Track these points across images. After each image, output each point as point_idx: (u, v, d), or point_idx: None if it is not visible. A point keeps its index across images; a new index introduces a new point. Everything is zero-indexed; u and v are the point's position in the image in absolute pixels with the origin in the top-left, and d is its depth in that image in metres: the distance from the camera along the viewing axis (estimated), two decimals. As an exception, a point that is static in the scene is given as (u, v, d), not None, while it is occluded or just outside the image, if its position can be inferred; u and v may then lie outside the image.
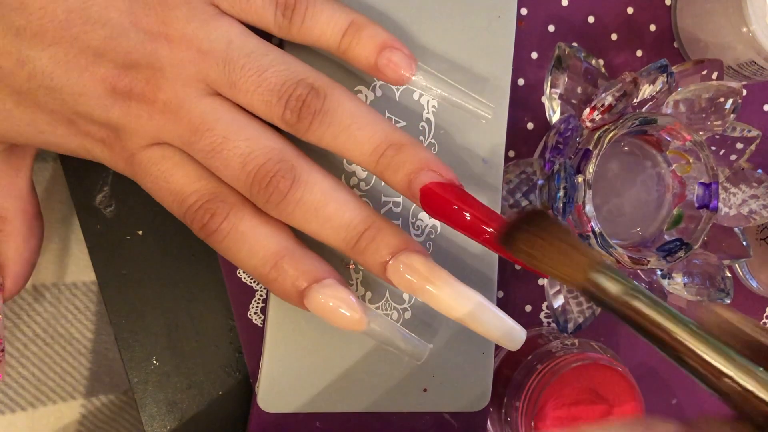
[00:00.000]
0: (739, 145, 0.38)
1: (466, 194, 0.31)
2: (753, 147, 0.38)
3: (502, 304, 0.40)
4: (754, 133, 0.37)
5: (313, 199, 0.31)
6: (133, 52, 0.29)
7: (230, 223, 0.31)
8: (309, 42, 0.31)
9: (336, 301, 0.31)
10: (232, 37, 0.30)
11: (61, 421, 0.40)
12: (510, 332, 0.31)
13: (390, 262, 0.31)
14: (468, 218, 0.30)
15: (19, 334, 0.39)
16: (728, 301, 0.37)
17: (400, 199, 0.36)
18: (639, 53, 0.41)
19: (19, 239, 0.34)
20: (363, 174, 0.35)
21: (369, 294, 0.36)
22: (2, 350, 0.32)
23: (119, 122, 0.30)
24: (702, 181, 0.37)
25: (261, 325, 0.38)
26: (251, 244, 0.31)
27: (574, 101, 0.37)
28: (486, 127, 0.36)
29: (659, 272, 0.37)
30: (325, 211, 0.31)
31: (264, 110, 0.31)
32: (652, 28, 0.41)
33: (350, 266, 0.35)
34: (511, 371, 0.38)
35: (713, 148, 0.38)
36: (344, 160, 0.35)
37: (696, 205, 0.37)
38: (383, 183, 0.35)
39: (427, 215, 0.36)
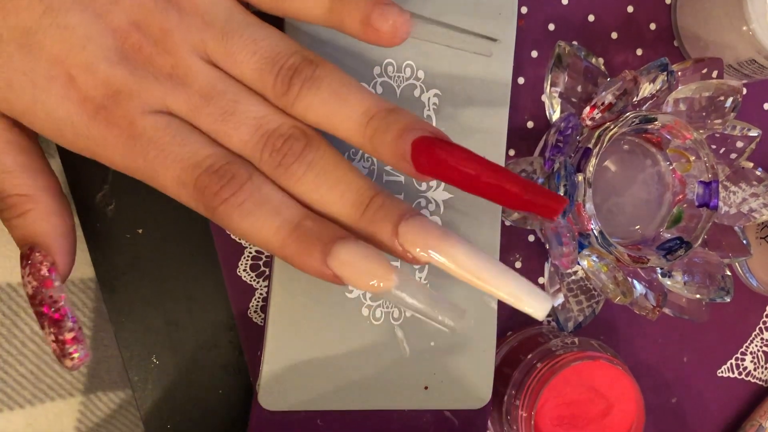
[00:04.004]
0: (739, 144, 0.38)
1: (460, 147, 0.29)
2: (753, 145, 0.38)
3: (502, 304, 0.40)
4: (754, 131, 0.37)
5: (325, 162, 0.30)
6: (147, 5, 0.29)
7: (254, 183, 0.30)
8: (299, 11, 0.31)
9: (363, 257, 0.29)
10: (233, 11, 0.31)
11: (59, 418, 0.40)
12: (534, 295, 0.28)
13: (401, 226, 0.29)
14: (464, 170, 0.29)
15: (17, 331, 0.39)
16: (728, 300, 0.37)
17: (401, 197, 0.36)
18: (639, 52, 0.41)
19: (52, 215, 0.32)
20: (364, 170, 0.35)
21: None
22: (80, 328, 0.31)
23: (123, 82, 0.29)
24: (702, 179, 0.37)
25: (261, 324, 0.38)
26: (276, 203, 0.30)
27: (574, 100, 0.37)
28: (487, 124, 0.36)
29: (659, 271, 0.37)
30: (336, 174, 0.30)
31: (256, 79, 0.30)
32: (652, 26, 0.41)
33: None
34: (512, 369, 0.38)
35: (713, 146, 0.38)
36: (345, 156, 0.35)
37: (696, 203, 0.37)
38: (384, 180, 0.35)
39: (427, 213, 0.36)
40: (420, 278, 0.36)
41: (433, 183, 0.36)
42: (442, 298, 0.29)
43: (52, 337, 0.31)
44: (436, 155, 0.29)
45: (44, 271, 0.31)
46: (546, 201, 0.28)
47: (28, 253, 0.31)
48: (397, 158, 0.30)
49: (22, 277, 0.31)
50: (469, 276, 0.28)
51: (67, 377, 0.40)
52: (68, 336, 0.31)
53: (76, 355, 0.31)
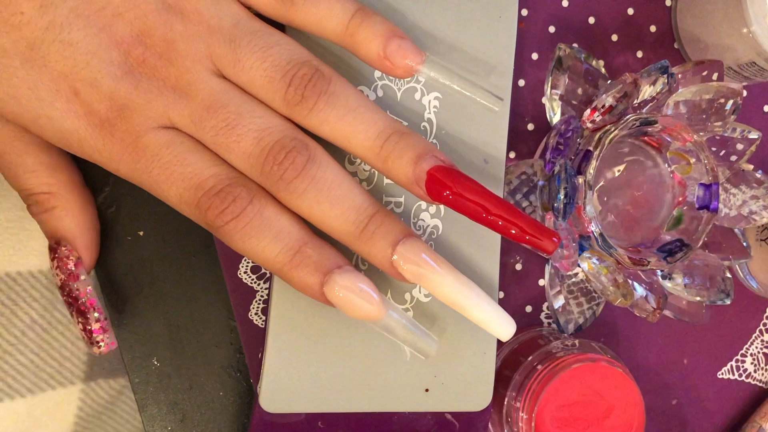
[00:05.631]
0: (740, 146, 0.38)
1: (471, 179, 0.31)
2: (753, 148, 0.38)
3: (502, 305, 0.40)
4: (755, 134, 0.37)
5: (327, 178, 0.30)
6: (150, 16, 0.29)
7: (255, 208, 0.30)
8: (313, 24, 0.31)
9: (357, 289, 0.30)
10: (240, 17, 0.31)
11: (60, 406, 0.40)
12: (503, 321, 0.32)
13: (398, 247, 0.31)
14: (475, 203, 0.30)
15: (17, 320, 0.39)
16: (728, 302, 0.37)
17: (401, 199, 0.36)
18: (639, 54, 0.41)
19: (76, 211, 0.34)
20: (365, 174, 0.35)
21: None
22: (106, 318, 0.33)
23: (127, 97, 0.29)
24: (702, 182, 0.37)
25: (262, 326, 0.38)
26: (277, 229, 0.30)
27: (574, 102, 0.37)
28: (487, 127, 0.36)
29: (660, 273, 0.37)
30: (338, 192, 0.31)
31: (266, 86, 0.30)
32: (653, 29, 0.41)
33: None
34: (512, 372, 0.38)
35: (713, 149, 0.38)
36: (345, 160, 0.35)
37: (696, 206, 0.37)
38: (385, 183, 0.35)
39: (428, 216, 0.36)
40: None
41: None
42: (421, 329, 0.33)
43: (80, 326, 0.33)
44: (450, 187, 0.30)
45: (71, 266, 0.33)
46: (545, 239, 0.31)
47: (55, 247, 0.33)
48: (410, 182, 0.31)
49: (51, 268, 0.34)
50: (449, 300, 0.32)
51: (67, 366, 0.40)
52: (95, 326, 0.33)
53: (102, 343, 0.33)
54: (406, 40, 0.31)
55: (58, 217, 0.33)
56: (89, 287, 0.33)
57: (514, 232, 0.30)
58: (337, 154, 0.33)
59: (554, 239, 0.31)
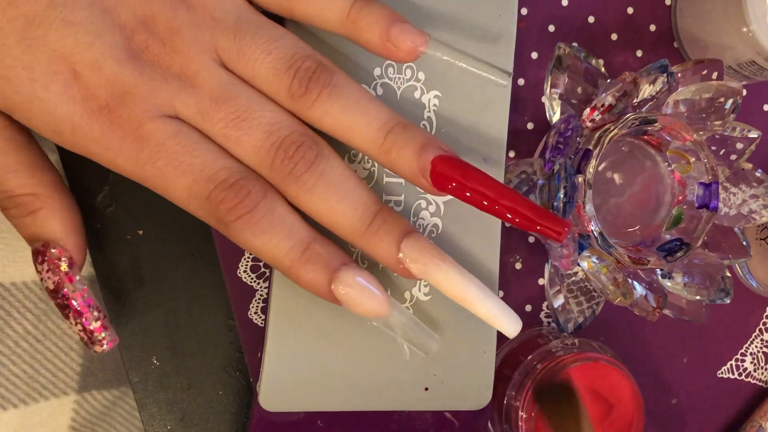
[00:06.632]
0: (739, 145, 0.38)
1: (475, 168, 0.31)
2: (753, 147, 0.38)
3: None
4: (754, 133, 0.37)
5: (335, 174, 0.30)
6: (155, 2, 0.29)
7: (268, 203, 0.30)
8: (314, 15, 0.31)
9: (363, 286, 0.30)
10: (243, 10, 0.31)
11: (53, 417, 0.40)
12: (510, 317, 0.32)
13: (403, 243, 0.31)
14: (481, 192, 0.30)
15: (10, 331, 0.38)
16: (728, 301, 0.37)
17: (401, 198, 0.36)
18: (639, 53, 0.41)
19: (63, 211, 0.32)
20: (365, 172, 0.35)
21: None
22: (105, 316, 0.33)
23: (131, 82, 0.28)
24: (702, 180, 0.37)
25: (261, 325, 0.38)
26: (289, 226, 0.30)
27: (574, 101, 0.37)
28: (487, 126, 0.36)
29: (659, 272, 0.37)
30: (345, 187, 0.31)
31: (270, 79, 0.30)
32: (652, 28, 0.41)
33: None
34: (512, 371, 0.38)
35: (713, 148, 0.38)
36: (345, 158, 0.35)
37: (696, 204, 0.37)
38: (385, 181, 0.35)
39: (428, 214, 0.36)
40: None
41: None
42: (423, 327, 0.33)
43: (79, 327, 0.32)
44: (455, 176, 0.30)
45: (64, 267, 0.32)
46: (554, 225, 0.30)
47: (42, 250, 0.31)
48: (415, 174, 0.31)
49: (39, 272, 0.32)
50: (455, 295, 0.31)
51: (61, 376, 0.40)
52: (95, 325, 0.32)
53: (105, 341, 0.33)
54: (408, 24, 0.31)
55: (43, 218, 0.32)
56: (85, 286, 0.32)
57: (519, 220, 0.30)
58: (337, 151, 0.33)
59: (564, 227, 0.30)
